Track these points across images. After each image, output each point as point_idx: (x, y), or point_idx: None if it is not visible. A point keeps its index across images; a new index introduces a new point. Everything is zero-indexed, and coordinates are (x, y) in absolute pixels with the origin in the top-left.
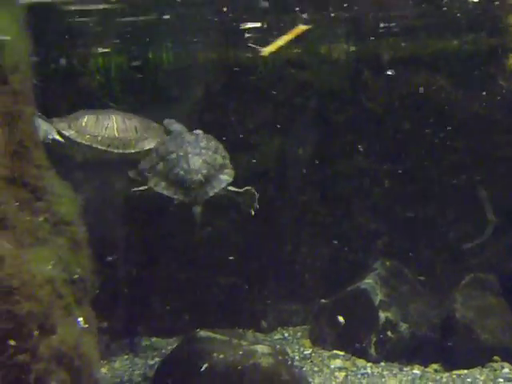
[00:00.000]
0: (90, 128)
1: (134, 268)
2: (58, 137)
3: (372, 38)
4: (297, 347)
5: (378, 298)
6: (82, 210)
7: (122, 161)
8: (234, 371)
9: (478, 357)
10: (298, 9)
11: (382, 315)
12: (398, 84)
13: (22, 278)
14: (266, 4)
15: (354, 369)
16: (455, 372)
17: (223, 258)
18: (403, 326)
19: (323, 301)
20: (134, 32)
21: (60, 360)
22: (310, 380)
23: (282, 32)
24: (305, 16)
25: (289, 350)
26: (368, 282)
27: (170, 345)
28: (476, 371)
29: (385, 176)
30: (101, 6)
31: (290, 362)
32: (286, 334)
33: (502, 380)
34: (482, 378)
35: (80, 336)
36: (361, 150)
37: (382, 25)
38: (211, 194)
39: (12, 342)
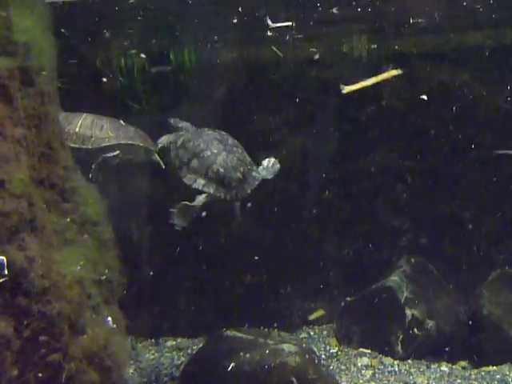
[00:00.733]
0: None
1: (159, 267)
2: None
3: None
4: (323, 346)
5: (404, 295)
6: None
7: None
8: (261, 370)
9: (506, 353)
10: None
11: (409, 312)
12: (421, 80)
13: (53, 278)
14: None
15: (381, 367)
16: (483, 369)
17: (248, 257)
18: (430, 323)
19: (348, 299)
20: (156, 31)
21: (91, 360)
22: (338, 378)
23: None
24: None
25: (315, 349)
26: (393, 279)
27: (195, 345)
28: (505, 368)
29: (408, 172)
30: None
31: (316, 361)
32: (312, 333)
33: None
34: None
35: (109, 336)
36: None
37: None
38: (249, 190)
39: (44, 341)
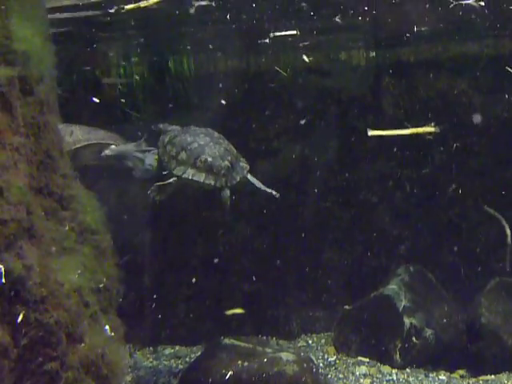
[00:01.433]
0: None
1: (157, 276)
2: None
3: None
4: (321, 354)
5: (403, 303)
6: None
7: None
8: (258, 379)
9: (504, 362)
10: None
11: (407, 321)
12: (419, 89)
13: (50, 286)
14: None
15: (380, 375)
16: (482, 378)
17: (246, 265)
18: (428, 332)
19: (347, 307)
20: (155, 40)
21: (88, 368)
22: None
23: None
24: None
25: (313, 357)
26: (392, 287)
27: (193, 353)
28: (503, 377)
29: (407, 181)
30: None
31: (314, 370)
32: (310, 341)
33: None
34: None
35: (107, 344)
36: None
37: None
38: (238, 179)
39: (42, 349)
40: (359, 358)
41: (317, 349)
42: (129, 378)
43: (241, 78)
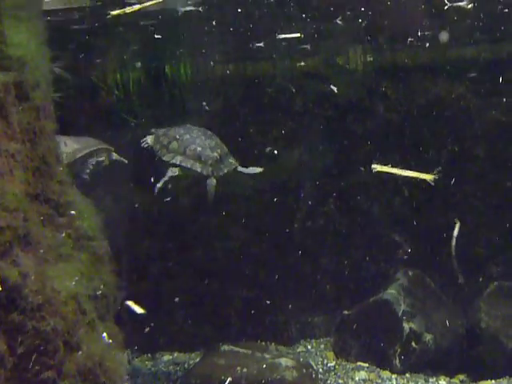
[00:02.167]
0: None
1: (155, 282)
2: None
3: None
4: (320, 360)
5: (402, 308)
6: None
7: None
8: None
9: (504, 367)
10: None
11: (406, 326)
12: (417, 93)
13: (47, 294)
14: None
15: (379, 381)
16: (482, 382)
17: (245, 271)
18: (428, 337)
19: (346, 312)
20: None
21: (86, 377)
22: None
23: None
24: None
25: (312, 363)
26: (391, 292)
27: (192, 359)
28: (503, 381)
29: (405, 185)
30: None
31: (314, 375)
32: (309, 347)
33: None
34: None
35: (105, 352)
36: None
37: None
38: (225, 171)
39: (38, 358)
40: (359, 363)
41: (316, 354)
42: None
43: (238, 83)
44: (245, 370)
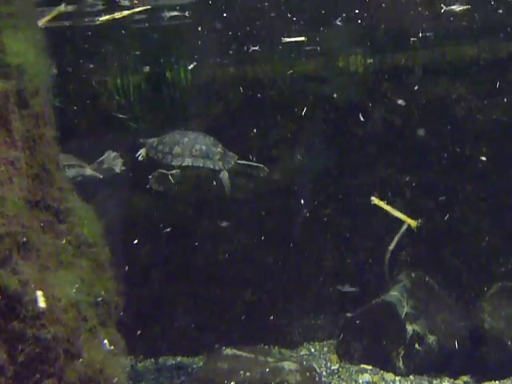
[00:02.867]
0: None
1: (157, 286)
2: None
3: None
4: (324, 362)
5: (405, 310)
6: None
7: None
8: None
9: (508, 367)
10: None
11: (409, 328)
12: (417, 94)
13: (47, 301)
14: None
15: (383, 383)
16: (486, 383)
17: (248, 274)
18: (431, 338)
19: (349, 314)
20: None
21: None
22: None
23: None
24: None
25: (316, 366)
26: (394, 294)
27: (195, 363)
28: (507, 382)
29: (406, 186)
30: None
31: (317, 378)
32: (313, 350)
33: None
34: None
35: (106, 359)
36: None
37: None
38: (232, 163)
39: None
40: (362, 365)
41: (319, 357)
42: None
43: (239, 86)
44: (248, 374)
